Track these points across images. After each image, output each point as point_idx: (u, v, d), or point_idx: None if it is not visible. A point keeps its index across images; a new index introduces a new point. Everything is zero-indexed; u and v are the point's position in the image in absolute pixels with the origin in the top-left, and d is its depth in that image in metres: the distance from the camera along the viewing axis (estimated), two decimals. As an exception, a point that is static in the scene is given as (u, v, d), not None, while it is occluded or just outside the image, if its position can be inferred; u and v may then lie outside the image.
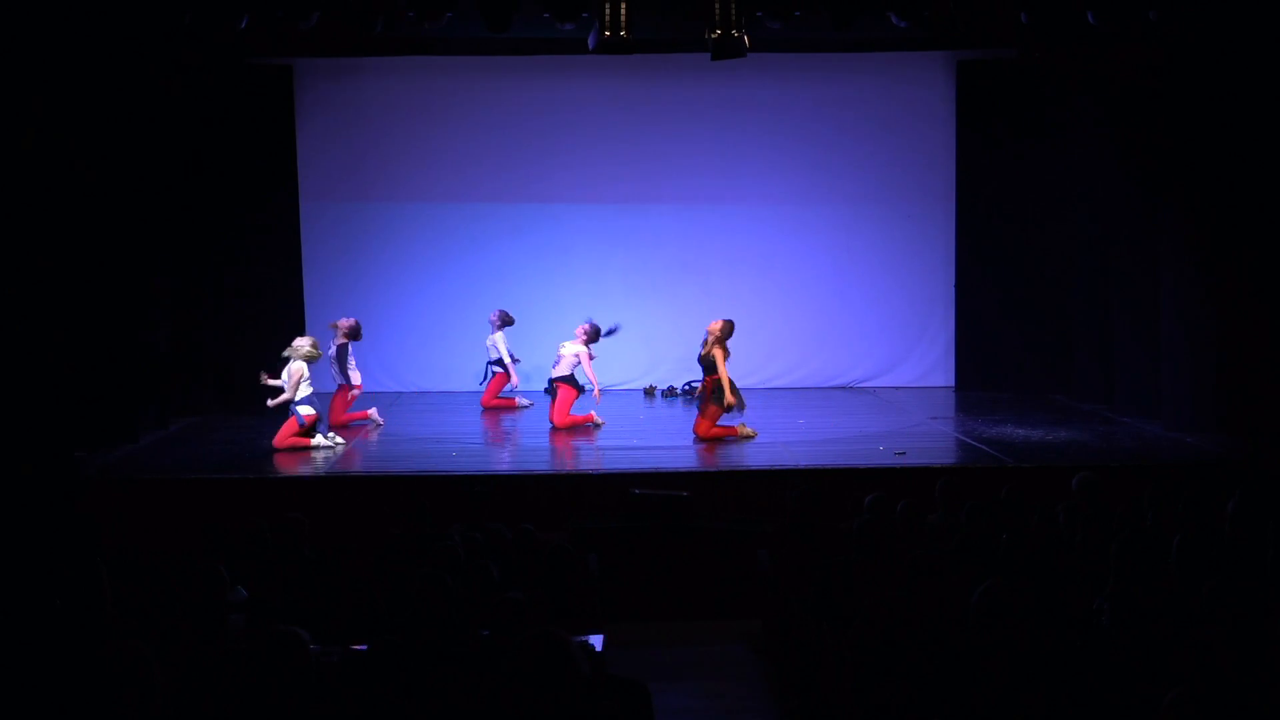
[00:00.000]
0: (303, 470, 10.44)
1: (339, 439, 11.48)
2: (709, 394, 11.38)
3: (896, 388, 13.76)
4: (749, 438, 11.32)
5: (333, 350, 12.39)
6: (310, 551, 7.00)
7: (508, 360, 13.42)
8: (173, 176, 12.65)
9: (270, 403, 11.38)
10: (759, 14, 11.01)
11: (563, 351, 12.54)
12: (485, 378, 13.55)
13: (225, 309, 13.97)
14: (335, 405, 12.33)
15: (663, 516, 9.52)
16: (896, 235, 14.93)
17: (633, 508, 9.56)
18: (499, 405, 13.35)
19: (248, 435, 11.83)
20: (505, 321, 13.50)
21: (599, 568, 8.57)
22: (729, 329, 11.43)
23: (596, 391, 12.33)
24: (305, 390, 11.27)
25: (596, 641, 6.20)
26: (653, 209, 14.79)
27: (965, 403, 13.81)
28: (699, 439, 11.30)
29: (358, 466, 10.68)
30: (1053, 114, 14.01)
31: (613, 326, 12.60)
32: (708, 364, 11.37)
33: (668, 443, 11.41)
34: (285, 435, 11.13)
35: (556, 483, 9.91)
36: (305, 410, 11.20)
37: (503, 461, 11.05)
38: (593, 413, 12.25)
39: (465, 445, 11.61)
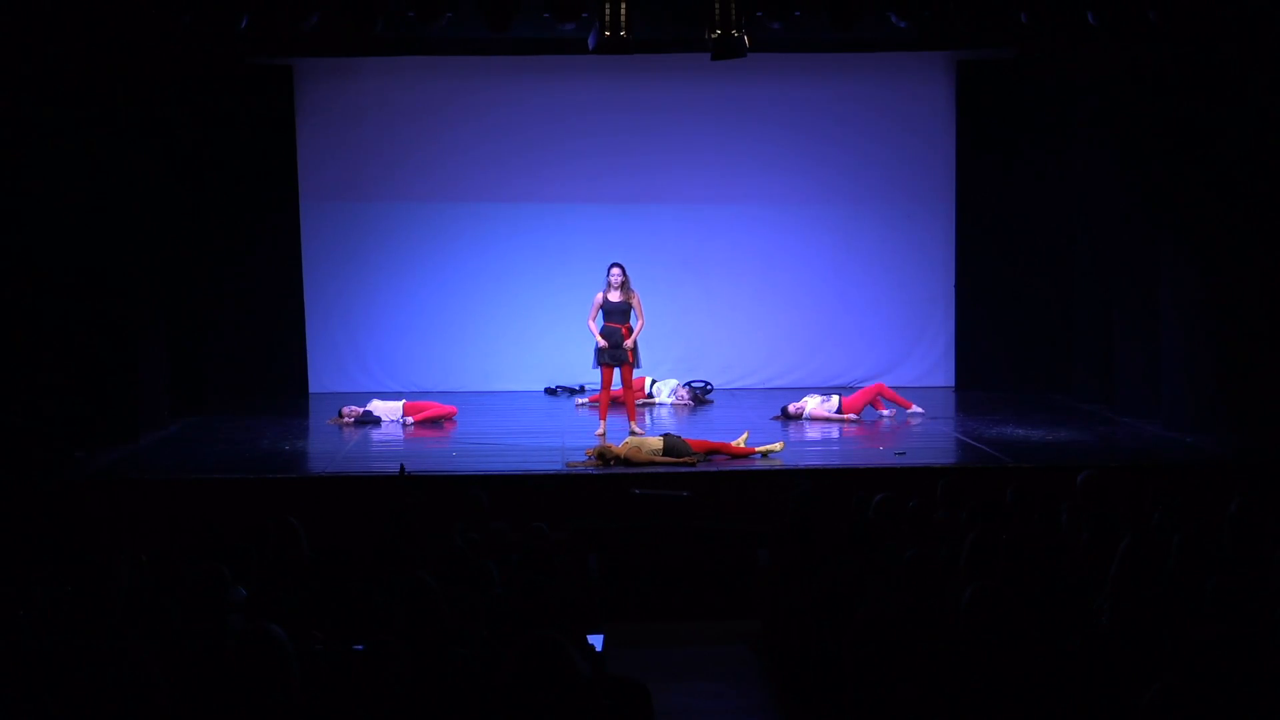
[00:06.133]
0: (302, 470, 10.47)
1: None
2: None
3: (896, 388, 13.75)
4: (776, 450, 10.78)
5: (353, 423, 12.55)
6: (310, 551, 6.99)
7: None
8: (173, 176, 12.65)
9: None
10: (759, 14, 11.01)
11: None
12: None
13: (225, 309, 13.97)
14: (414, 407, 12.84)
15: (663, 516, 9.52)
16: (896, 235, 14.93)
17: (633, 508, 9.56)
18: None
19: (248, 435, 11.83)
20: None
21: (599, 568, 8.57)
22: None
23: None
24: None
25: (596, 642, 6.21)
26: (653, 209, 14.79)
27: (965, 403, 13.81)
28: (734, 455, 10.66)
29: (358, 467, 10.69)
30: (1053, 114, 14.01)
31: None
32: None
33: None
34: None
35: (556, 483, 9.91)
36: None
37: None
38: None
39: (464, 445, 11.63)
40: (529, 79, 14.39)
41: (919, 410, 12.96)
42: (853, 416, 12.75)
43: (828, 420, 12.70)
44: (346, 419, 12.55)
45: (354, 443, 11.78)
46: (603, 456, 10.18)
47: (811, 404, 12.85)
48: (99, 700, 3.96)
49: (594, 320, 11.79)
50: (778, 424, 12.53)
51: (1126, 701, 4.31)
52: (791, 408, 12.82)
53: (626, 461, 10.13)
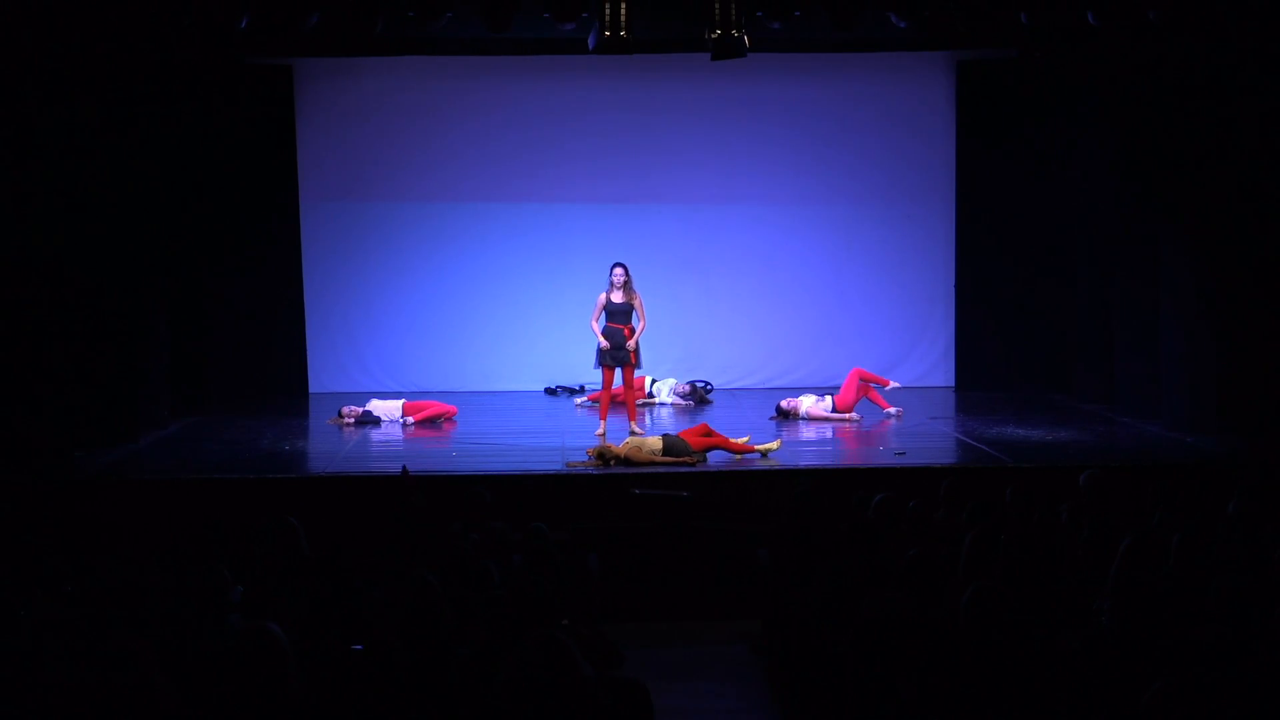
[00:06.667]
0: (302, 470, 10.47)
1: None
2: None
3: (896, 388, 13.78)
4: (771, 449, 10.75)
5: (354, 424, 12.55)
6: (310, 551, 7.00)
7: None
8: (173, 176, 12.65)
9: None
10: (759, 14, 11.01)
11: None
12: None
13: (225, 309, 13.97)
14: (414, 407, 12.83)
15: (663, 516, 9.52)
16: (896, 235, 14.93)
17: (633, 508, 9.55)
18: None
19: (248, 435, 11.83)
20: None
21: (599, 568, 8.57)
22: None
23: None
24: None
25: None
26: (653, 209, 14.79)
27: (965, 403, 13.81)
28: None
29: (358, 467, 10.69)
30: (1053, 114, 14.02)
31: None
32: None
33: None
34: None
35: (556, 483, 9.91)
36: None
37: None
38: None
39: (464, 445, 11.63)
40: (529, 79, 14.39)
41: (895, 384, 13.12)
42: (854, 416, 12.73)
43: (825, 419, 12.70)
44: (346, 419, 12.55)
45: (354, 443, 11.77)
46: (602, 456, 10.19)
47: (807, 403, 12.84)
48: (99, 700, 3.96)
49: (597, 321, 11.80)
50: (775, 423, 12.51)
51: (1126, 701, 4.31)
52: (785, 404, 12.83)
53: (626, 461, 10.13)
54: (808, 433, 12.26)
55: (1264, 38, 10.62)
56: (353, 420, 12.53)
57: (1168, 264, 11.77)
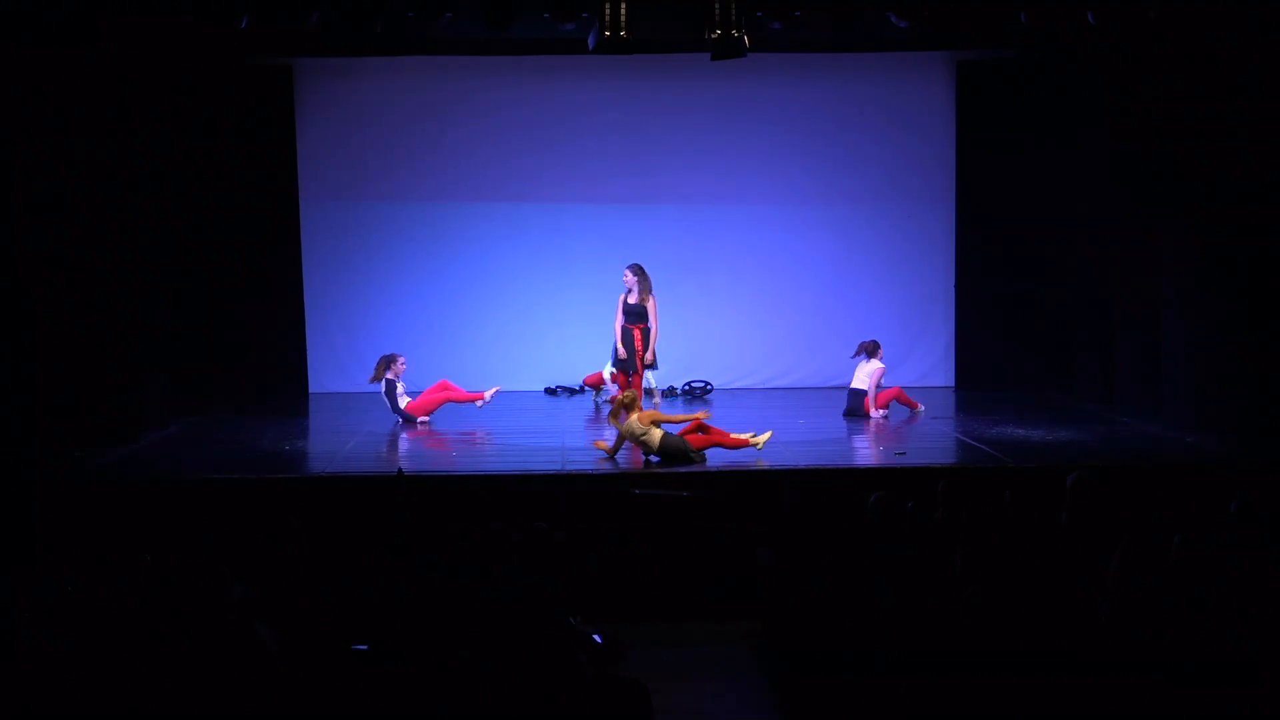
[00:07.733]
0: (302, 470, 10.48)
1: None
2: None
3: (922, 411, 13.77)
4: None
5: (382, 387, 12.56)
6: (310, 551, 7.00)
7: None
8: (173, 176, 12.65)
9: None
10: (759, 14, 11.02)
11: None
12: None
13: (225, 309, 13.97)
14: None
15: (663, 516, 9.52)
16: (896, 235, 14.94)
17: (633, 508, 9.56)
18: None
19: (248, 435, 11.83)
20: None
21: (599, 568, 8.58)
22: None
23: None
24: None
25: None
26: (653, 209, 14.79)
27: (965, 403, 13.81)
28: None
29: (358, 467, 10.68)
30: (1053, 114, 14.01)
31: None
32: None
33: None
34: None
35: (556, 483, 9.91)
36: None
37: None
38: None
39: (464, 445, 11.63)
40: (529, 79, 14.40)
41: (921, 409, 13.03)
42: (878, 415, 12.67)
43: (865, 387, 12.70)
44: (399, 365, 12.56)
45: (354, 443, 11.77)
46: (619, 403, 10.22)
47: (871, 368, 12.79)
48: (99, 699, 3.96)
49: (618, 325, 11.82)
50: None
51: (1127, 701, 4.31)
52: (868, 342, 12.88)
53: (629, 432, 10.15)
54: (808, 432, 12.23)
55: (1264, 38, 10.61)
56: (399, 369, 12.54)
57: (1168, 264, 11.77)
